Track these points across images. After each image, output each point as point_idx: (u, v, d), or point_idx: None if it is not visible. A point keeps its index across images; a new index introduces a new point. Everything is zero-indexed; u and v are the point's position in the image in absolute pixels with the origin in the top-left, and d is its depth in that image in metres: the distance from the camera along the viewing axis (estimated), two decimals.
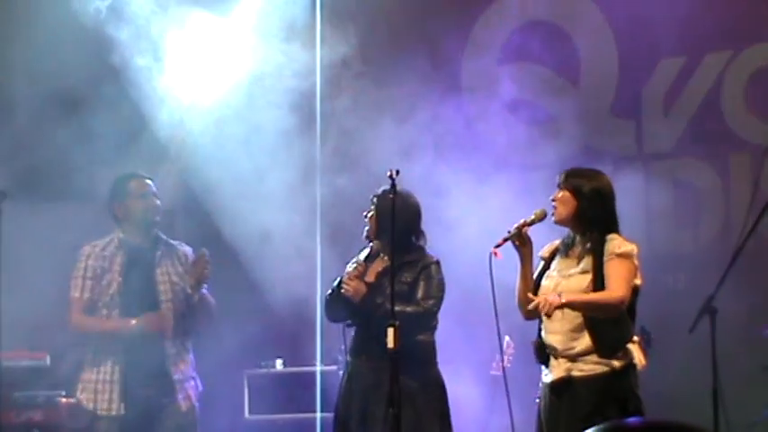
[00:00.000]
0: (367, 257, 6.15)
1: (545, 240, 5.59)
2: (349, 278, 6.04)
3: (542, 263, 5.53)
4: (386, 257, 6.06)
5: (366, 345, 6.01)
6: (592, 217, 5.37)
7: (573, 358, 5.29)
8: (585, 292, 5.26)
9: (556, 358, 5.34)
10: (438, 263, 6.09)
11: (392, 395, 5.44)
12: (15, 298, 7.95)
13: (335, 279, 6.17)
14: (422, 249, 6.13)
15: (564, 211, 5.39)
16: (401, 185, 5.77)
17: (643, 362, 5.38)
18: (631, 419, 1.85)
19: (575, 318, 5.29)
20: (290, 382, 8.30)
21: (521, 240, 5.42)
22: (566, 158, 7.95)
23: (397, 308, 5.66)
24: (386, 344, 5.50)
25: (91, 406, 6.16)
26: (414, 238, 6.13)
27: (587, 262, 5.34)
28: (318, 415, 7.97)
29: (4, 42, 8.32)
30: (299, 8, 8.26)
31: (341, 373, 6.35)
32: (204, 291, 6.33)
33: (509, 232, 5.43)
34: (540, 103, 8.45)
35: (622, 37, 8.28)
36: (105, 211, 6.44)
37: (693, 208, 8.03)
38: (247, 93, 8.10)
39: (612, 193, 5.44)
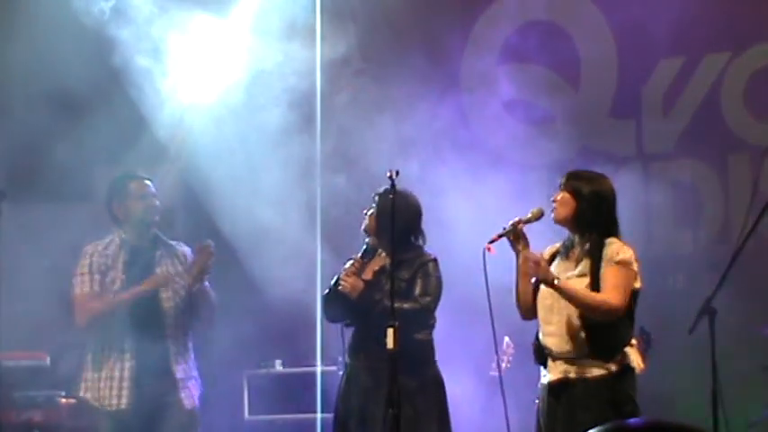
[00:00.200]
0: (364, 255, 6.16)
1: (544, 240, 5.59)
2: (346, 274, 6.05)
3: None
4: (384, 255, 6.06)
5: (364, 344, 6.01)
6: (590, 219, 5.36)
7: (570, 360, 5.29)
8: None
9: (553, 360, 5.35)
10: (435, 260, 6.10)
11: (391, 395, 5.44)
12: (14, 298, 7.96)
13: (333, 277, 6.18)
14: (420, 248, 6.14)
15: (563, 212, 5.39)
16: (400, 185, 5.77)
17: (641, 365, 5.38)
18: (632, 420, 1.85)
19: (571, 320, 5.29)
20: (289, 382, 8.31)
21: (515, 237, 5.42)
22: (565, 159, 7.97)
23: (387, 304, 5.68)
24: (384, 343, 5.50)
25: (96, 403, 6.16)
26: (413, 238, 6.13)
27: (585, 265, 5.34)
28: (318, 415, 7.98)
29: (3, 42, 8.32)
30: (299, 7, 8.25)
31: (341, 373, 6.35)
32: (206, 284, 6.33)
33: (504, 229, 5.44)
34: (539, 103, 8.45)
35: (622, 37, 8.29)
36: (104, 211, 6.44)
37: (693, 208, 8.04)
38: (247, 91, 8.10)
39: (613, 197, 5.43)
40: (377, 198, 6.11)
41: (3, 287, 7.92)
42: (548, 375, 5.38)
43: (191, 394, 6.27)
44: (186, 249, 6.45)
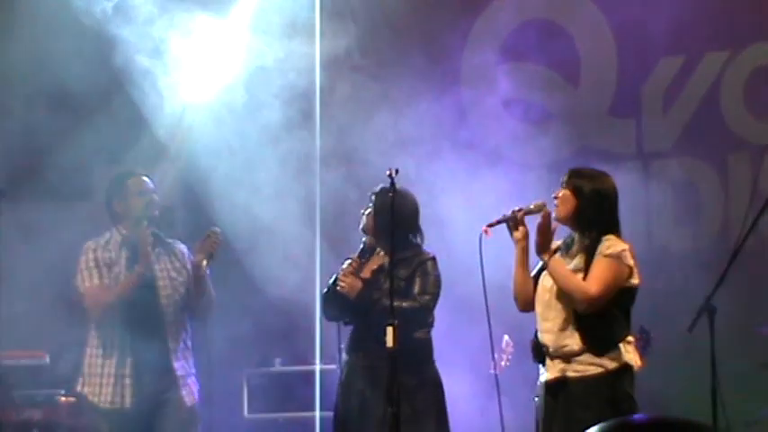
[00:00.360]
0: (361, 254, 6.16)
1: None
2: (344, 274, 6.05)
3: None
4: (382, 254, 6.06)
5: (363, 343, 6.02)
6: (591, 217, 5.36)
7: (567, 358, 5.29)
8: None
9: (551, 358, 5.35)
10: (434, 259, 6.10)
11: (391, 394, 5.44)
12: (14, 297, 7.96)
13: (332, 277, 6.18)
14: (418, 246, 6.14)
15: (564, 209, 5.40)
16: (398, 183, 5.77)
17: (639, 363, 5.37)
18: (636, 416, 1.85)
19: (565, 316, 5.29)
20: (288, 380, 8.31)
21: (515, 225, 5.43)
22: (565, 157, 7.97)
23: (386, 303, 5.69)
24: (384, 342, 5.50)
25: (95, 400, 6.16)
26: (411, 236, 6.14)
27: (580, 260, 5.34)
28: (318, 414, 7.98)
29: (3, 41, 8.31)
30: (298, 5, 8.25)
31: (339, 371, 6.36)
32: (207, 274, 6.33)
33: (504, 215, 5.44)
34: (539, 101, 8.45)
35: (622, 36, 8.29)
36: (104, 210, 6.45)
37: (692, 207, 8.04)
38: (247, 90, 8.10)
39: (615, 195, 5.42)
40: (374, 197, 6.12)
41: (2, 286, 7.91)
42: (545, 374, 5.38)
43: (191, 391, 6.28)
44: (182, 247, 6.46)
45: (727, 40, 8.02)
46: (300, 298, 8.19)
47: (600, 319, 5.25)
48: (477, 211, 6.98)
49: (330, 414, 6.29)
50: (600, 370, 5.24)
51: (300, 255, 8.24)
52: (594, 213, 5.35)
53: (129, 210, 6.32)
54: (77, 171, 8.39)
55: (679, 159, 8.13)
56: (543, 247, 5.31)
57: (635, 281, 5.33)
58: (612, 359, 5.25)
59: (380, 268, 6.03)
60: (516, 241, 5.47)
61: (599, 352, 5.24)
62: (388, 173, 5.69)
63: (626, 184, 5.70)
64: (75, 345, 6.54)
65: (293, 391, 8.20)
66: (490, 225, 5.45)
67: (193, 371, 6.35)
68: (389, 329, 5.47)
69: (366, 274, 6.07)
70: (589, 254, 5.31)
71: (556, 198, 5.42)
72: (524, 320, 5.62)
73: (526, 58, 8.49)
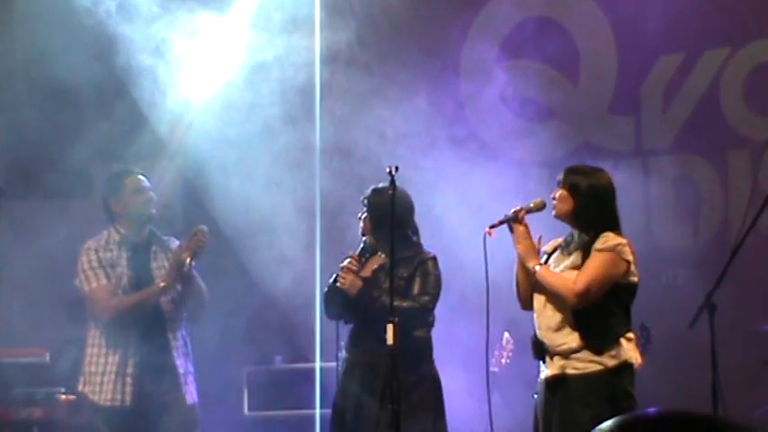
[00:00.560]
0: (362, 252, 6.16)
1: (547, 235, 5.60)
2: (345, 271, 6.05)
3: (544, 257, 5.54)
4: (382, 255, 6.05)
5: (362, 340, 6.01)
6: (589, 215, 5.36)
7: (566, 356, 5.29)
8: None
9: (551, 356, 5.35)
10: (435, 258, 6.09)
11: (390, 391, 5.44)
12: (14, 295, 7.96)
13: (332, 275, 6.18)
14: (418, 245, 6.14)
15: (562, 208, 5.40)
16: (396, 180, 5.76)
17: (639, 360, 5.37)
18: (649, 410, 1.86)
19: (563, 314, 5.29)
20: (289, 378, 8.31)
21: (516, 225, 5.44)
22: (564, 155, 7.97)
23: (386, 301, 5.70)
24: (383, 339, 5.50)
25: (96, 398, 6.15)
26: (410, 235, 6.14)
27: (577, 257, 5.34)
28: (317, 411, 7.98)
29: (2, 38, 8.31)
30: (298, 0, 8.25)
31: (339, 369, 6.36)
32: (195, 272, 6.31)
33: (506, 215, 5.45)
34: (539, 99, 8.45)
35: (621, 34, 8.29)
36: (99, 207, 6.44)
37: (692, 204, 8.04)
38: (246, 87, 8.09)
39: (612, 192, 5.42)
40: (367, 200, 6.11)
41: (2, 284, 7.92)
42: (545, 371, 5.38)
43: (190, 390, 6.27)
44: (178, 244, 6.43)
45: (726, 37, 8.03)
46: (300, 295, 8.19)
47: (597, 316, 5.25)
48: (475, 208, 7.00)
49: (330, 412, 6.28)
50: (599, 367, 5.24)
51: (300, 251, 8.23)
52: (592, 211, 5.35)
53: (127, 209, 6.30)
54: (76, 169, 8.38)
55: (678, 156, 8.13)
56: (527, 258, 5.32)
57: (634, 278, 5.33)
58: (612, 356, 5.25)
59: (381, 267, 6.03)
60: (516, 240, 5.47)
61: (597, 349, 5.24)
62: (388, 170, 5.68)
63: (625, 181, 5.71)
64: (75, 343, 6.53)
65: (293, 388, 8.20)
66: (493, 226, 5.46)
67: (192, 369, 6.34)
68: (389, 327, 5.47)
69: (366, 272, 6.07)
70: (586, 251, 5.31)
71: (554, 198, 5.43)
72: (523, 318, 5.62)
73: (525, 55, 8.49)
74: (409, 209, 6.13)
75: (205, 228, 6.30)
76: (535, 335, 5.44)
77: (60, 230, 7.65)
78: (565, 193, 5.39)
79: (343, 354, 6.19)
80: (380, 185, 5.92)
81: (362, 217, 6.16)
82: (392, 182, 5.69)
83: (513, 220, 5.44)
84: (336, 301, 6.11)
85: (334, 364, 7.55)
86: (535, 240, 5.45)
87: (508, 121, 8.40)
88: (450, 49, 8.69)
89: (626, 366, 5.27)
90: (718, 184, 7.98)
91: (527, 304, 5.49)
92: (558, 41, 8.40)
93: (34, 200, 8.70)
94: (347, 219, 7.35)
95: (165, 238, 6.43)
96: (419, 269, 6.03)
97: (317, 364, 8.16)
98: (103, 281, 6.18)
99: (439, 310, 6.12)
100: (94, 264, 6.20)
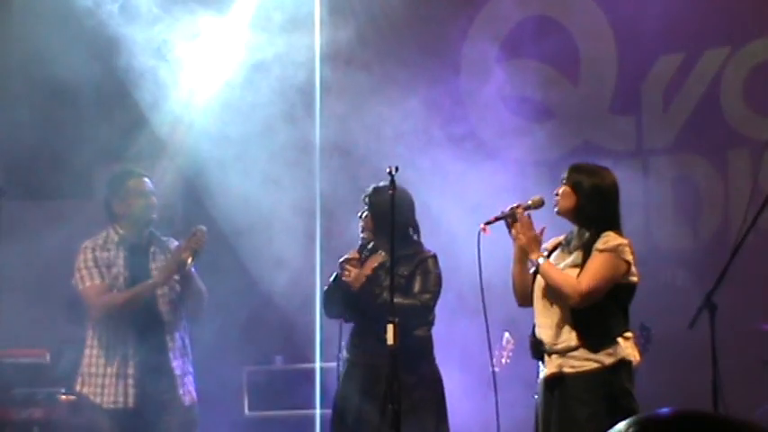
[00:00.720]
0: (360, 250, 6.16)
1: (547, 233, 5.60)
2: (349, 264, 6.03)
3: (545, 254, 5.52)
4: (383, 253, 6.05)
5: (363, 341, 6.01)
6: (590, 213, 5.35)
7: (564, 354, 5.28)
8: None
9: (549, 355, 5.34)
10: (435, 257, 6.09)
11: (391, 391, 5.44)
12: (14, 295, 7.96)
13: (332, 274, 6.18)
14: (418, 244, 6.14)
15: (564, 205, 5.39)
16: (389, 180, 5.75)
17: (637, 358, 5.37)
18: (663, 410, 1.85)
19: (562, 312, 5.29)
20: (289, 378, 8.30)
21: (513, 221, 5.43)
22: (564, 154, 7.97)
23: (387, 298, 5.70)
24: (384, 340, 5.50)
25: (97, 400, 6.15)
26: (411, 233, 6.14)
27: (577, 256, 5.34)
28: (318, 411, 7.98)
29: (2, 37, 8.31)
30: None
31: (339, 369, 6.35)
32: (193, 272, 6.31)
33: (502, 212, 5.44)
34: (538, 98, 8.45)
35: (621, 33, 8.28)
36: (102, 207, 6.43)
37: (693, 204, 8.04)
38: (247, 85, 8.09)
39: (615, 191, 5.41)
40: (368, 198, 6.11)
41: (2, 284, 7.92)
42: (544, 370, 5.38)
43: (189, 390, 6.27)
44: (177, 244, 6.42)
45: (726, 36, 8.02)
46: (300, 295, 8.19)
47: (596, 316, 5.25)
48: (474, 207, 6.99)
49: (330, 412, 6.28)
50: (596, 365, 5.23)
51: (300, 250, 8.23)
52: (594, 209, 5.34)
53: (129, 211, 6.30)
54: (77, 169, 8.38)
55: (679, 156, 8.13)
56: (530, 249, 5.31)
57: (634, 278, 5.32)
58: (609, 354, 5.24)
59: (381, 265, 6.02)
60: (514, 238, 5.47)
61: (595, 348, 5.24)
62: (388, 170, 5.68)
63: (625, 180, 5.70)
64: (75, 343, 6.53)
65: (294, 388, 8.19)
66: (488, 222, 5.46)
67: (191, 369, 6.34)
68: (390, 327, 5.47)
69: (367, 270, 6.07)
70: (586, 250, 5.30)
71: (556, 195, 5.42)
72: (521, 317, 5.62)
73: (525, 55, 8.49)
74: (410, 208, 6.14)
75: (204, 228, 6.30)
76: (533, 334, 5.44)
77: (61, 231, 7.64)
78: (568, 189, 5.39)
79: (343, 354, 6.19)
80: (382, 184, 5.92)
81: (363, 215, 6.16)
82: (392, 181, 5.69)
83: (510, 218, 5.44)
84: (336, 299, 6.11)
85: (334, 364, 7.55)
86: (538, 232, 5.43)
87: (507, 120, 8.40)
88: (450, 48, 8.69)
89: (624, 364, 5.27)
90: (718, 183, 7.98)
91: (524, 301, 5.49)
92: (557, 41, 8.39)
93: (34, 200, 8.69)
94: (347, 217, 7.35)
95: (165, 238, 6.43)
96: (419, 267, 6.03)
97: (317, 364, 8.16)
98: (97, 280, 6.18)
99: (437, 310, 6.12)
100: (90, 263, 6.21)
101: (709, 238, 7.89)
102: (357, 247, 6.21)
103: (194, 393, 6.31)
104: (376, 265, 6.07)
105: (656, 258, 7.63)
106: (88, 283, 6.20)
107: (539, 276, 5.43)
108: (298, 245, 8.23)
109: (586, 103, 8.38)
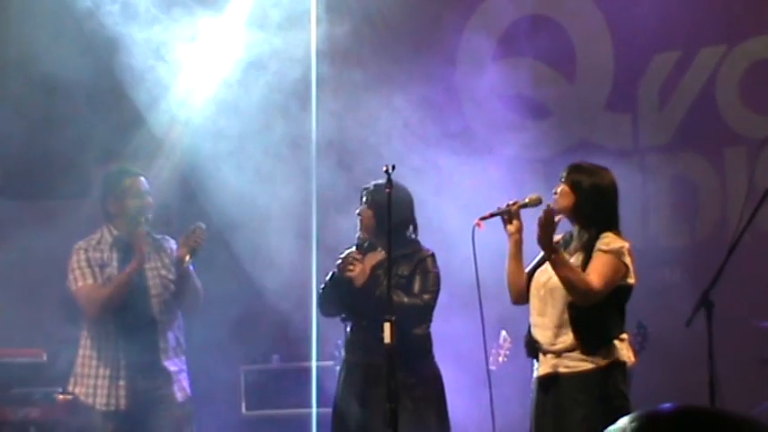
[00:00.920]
0: (360, 249, 6.14)
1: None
2: (353, 258, 5.99)
3: (541, 253, 5.52)
4: (382, 251, 6.04)
5: (363, 340, 6.00)
6: (589, 213, 5.35)
7: (559, 354, 5.28)
8: None
9: (544, 354, 5.34)
10: (433, 256, 6.08)
11: (389, 390, 5.43)
12: (11, 295, 7.95)
13: (328, 273, 6.17)
14: (417, 242, 6.13)
15: (563, 204, 5.38)
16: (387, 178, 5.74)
17: (632, 359, 5.37)
18: (665, 406, 1.85)
19: (560, 313, 5.28)
20: (287, 377, 8.30)
21: (509, 218, 5.42)
22: (561, 152, 7.97)
23: (396, 298, 5.70)
24: (383, 338, 5.49)
25: (90, 401, 6.15)
26: (410, 231, 6.13)
27: (578, 258, 5.33)
28: (314, 410, 7.97)
29: None
30: None
31: (337, 368, 6.34)
32: (191, 269, 6.31)
33: (498, 208, 5.43)
34: (535, 96, 8.45)
35: (617, 31, 8.28)
36: (97, 207, 6.42)
37: (689, 202, 8.04)
38: (243, 82, 8.08)
39: (614, 191, 5.40)
40: (369, 195, 6.08)
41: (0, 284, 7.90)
42: (538, 369, 5.38)
43: (182, 387, 6.26)
44: (172, 243, 6.42)
45: (722, 34, 8.02)
46: (296, 293, 8.18)
47: (595, 317, 5.24)
48: (469, 203, 6.99)
49: (327, 411, 6.27)
50: (591, 366, 5.23)
51: (296, 248, 8.22)
52: (593, 209, 5.34)
53: (124, 210, 6.29)
54: (73, 168, 8.37)
55: (675, 154, 8.12)
56: (544, 241, 5.24)
57: (631, 280, 5.32)
58: (604, 355, 5.24)
59: (380, 264, 6.01)
60: (510, 235, 5.47)
61: (591, 349, 5.23)
62: (384, 169, 5.67)
63: (622, 179, 5.70)
64: (72, 343, 6.52)
65: (292, 387, 8.19)
66: (483, 218, 5.45)
67: (185, 368, 6.33)
68: (387, 326, 5.46)
69: (369, 266, 6.06)
70: (587, 250, 5.29)
71: (555, 193, 5.41)
72: (515, 314, 5.62)
73: (522, 52, 8.48)
74: (410, 206, 6.13)
75: (203, 225, 6.29)
76: (529, 333, 5.43)
77: (58, 230, 7.63)
78: (566, 188, 5.38)
79: (342, 354, 6.18)
80: (383, 181, 5.86)
81: (362, 212, 6.12)
82: (389, 179, 5.68)
83: (506, 214, 5.43)
84: (333, 298, 6.10)
85: (330, 362, 7.56)
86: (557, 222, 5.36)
87: (503, 117, 8.40)
88: (447, 45, 8.69)
89: (618, 365, 5.26)
90: (714, 181, 7.98)
91: (518, 298, 5.48)
92: (553, 39, 8.39)
93: (31, 199, 8.68)
94: (342, 215, 7.35)
95: (160, 236, 6.41)
96: (418, 267, 6.02)
97: (314, 363, 8.15)
98: (89, 280, 6.18)
99: (443, 308, 6.12)
100: (83, 263, 6.20)
101: (705, 236, 7.89)
102: (353, 244, 6.20)
103: (188, 389, 6.30)
104: (375, 263, 6.05)
105: (653, 256, 7.63)
106: (81, 284, 6.20)
107: (536, 275, 5.42)
108: (294, 243, 8.23)
109: (583, 101, 8.38)
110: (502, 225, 5.49)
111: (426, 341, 6.04)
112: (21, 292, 8.22)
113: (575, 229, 5.41)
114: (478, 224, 5.42)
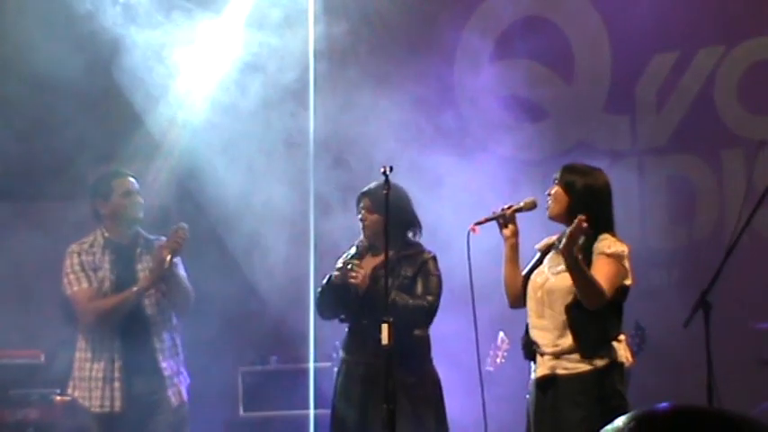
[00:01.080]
0: (359, 255, 6.13)
1: (540, 234, 5.59)
2: (356, 268, 5.96)
3: (537, 255, 5.52)
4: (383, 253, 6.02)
5: (362, 340, 5.99)
6: (583, 215, 5.32)
7: (557, 356, 5.27)
8: (571, 289, 5.22)
9: (541, 356, 5.33)
10: (435, 258, 6.07)
11: (386, 390, 5.43)
12: (9, 296, 7.95)
13: (325, 276, 6.16)
14: (419, 244, 6.12)
15: (557, 206, 5.36)
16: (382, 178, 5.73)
17: (630, 360, 5.36)
18: (662, 405, 1.86)
19: (559, 315, 5.27)
20: (285, 378, 8.29)
21: (504, 222, 5.41)
22: (559, 154, 7.96)
23: (400, 300, 5.73)
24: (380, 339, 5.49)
25: (87, 404, 6.15)
26: (414, 232, 6.13)
27: None
28: (311, 412, 7.97)
29: None
30: None
31: (335, 369, 6.34)
32: (180, 271, 6.29)
33: (493, 212, 5.42)
34: (532, 97, 8.45)
35: (615, 32, 8.28)
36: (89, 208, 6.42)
37: (687, 203, 8.04)
38: (241, 83, 8.08)
39: (608, 192, 5.38)
40: (373, 199, 6.04)
41: None
42: (536, 370, 5.37)
43: (178, 390, 6.25)
44: (159, 244, 6.39)
45: (721, 35, 8.02)
46: (296, 296, 8.18)
47: (594, 319, 5.22)
48: (466, 204, 6.99)
49: (324, 412, 6.26)
50: (589, 367, 5.22)
51: (295, 249, 8.22)
52: (587, 210, 5.31)
53: (114, 211, 6.28)
54: (71, 169, 8.36)
55: (673, 155, 8.12)
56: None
57: (628, 281, 5.31)
58: (602, 356, 5.23)
59: (380, 266, 5.99)
60: (506, 239, 5.45)
61: (590, 351, 5.22)
62: (382, 170, 5.65)
63: (620, 180, 5.70)
64: (70, 344, 6.53)
65: (290, 388, 8.18)
66: (479, 223, 5.44)
67: (182, 369, 6.32)
68: (384, 326, 5.45)
69: (369, 270, 6.05)
70: (585, 252, 5.27)
71: (549, 195, 5.40)
72: (513, 315, 5.61)
73: (520, 54, 8.48)
74: (411, 207, 6.13)
75: (185, 225, 6.27)
76: (526, 335, 5.42)
77: (55, 231, 7.63)
78: (560, 190, 5.36)
79: (340, 354, 6.17)
80: (393, 183, 5.82)
81: (365, 218, 6.07)
82: (386, 181, 5.67)
83: (502, 218, 5.42)
84: (330, 301, 6.09)
85: (328, 363, 7.55)
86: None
87: (501, 118, 8.39)
88: (445, 45, 8.69)
89: (616, 365, 5.25)
90: (712, 182, 7.98)
91: (516, 302, 5.47)
92: (551, 40, 8.39)
93: (29, 201, 8.68)
94: (341, 216, 7.35)
95: (153, 238, 6.40)
96: (421, 269, 6.01)
97: (311, 365, 8.15)
98: (84, 284, 6.17)
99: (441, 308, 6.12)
100: (76, 267, 6.20)
101: (703, 238, 7.89)
102: (353, 245, 6.19)
103: (184, 393, 6.29)
104: (376, 264, 6.03)
105: (651, 257, 7.63)
106: (76, 288, 6.19)
107: (532, 277, 5.41)
108: (291, 243, 8.22)
109: (581, 103, 8.38)
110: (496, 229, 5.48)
111: (426, 343, 6.05)
112: (18, 293, 8.22)
113: (568, 231, 5.39)
114: (473, 229, 5.42)
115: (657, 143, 8.18)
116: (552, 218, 5.40)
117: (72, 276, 6.21)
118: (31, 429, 7.21)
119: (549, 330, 5.30)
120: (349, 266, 6.00)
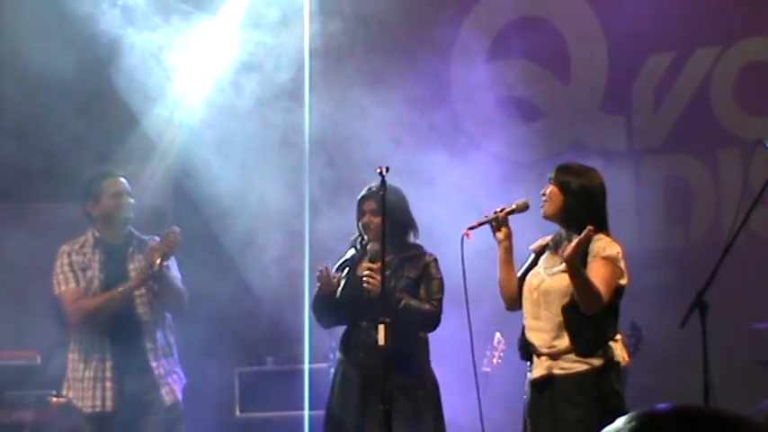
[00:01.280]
0: (359, 256, 6.12)
1: (535, 234, 5.59)
2: (370, 274, 5.89)
3: (532, 256, 5.51)
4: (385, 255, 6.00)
5: (361, 341, 5.96)
6: (579, 215, 5.31)
7: (554, 356, 5.27)
8: (567, 290, 5.22)
9: (538, 356, 5.32)
10: (436, 260, 6.05)
11: (383, 391, 5.41)
12: (4, 297, 7.94)
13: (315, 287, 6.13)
14: (419, 246, 6.10)
15: (551, 206, 5.36)
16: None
17: (626, 359, 5.36)
18: (662, 406, 1.85)
19: (555, 315, 5.26)
20: (281, 379, 8.29)
21: (498, 226, 5.40)
22: (555, 154, 7.96)
23: (414, 304, 5.77)
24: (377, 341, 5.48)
25: (79, 404, 6.14)
26: (411, 233, 6.12)
27: None
28: (306, 413, 7.96)
29: None
30: None
31: (332, 370, 6.32)
32: (173, 273, 6.28)
33: (486, 216, 5.41)
34: (529, 97, 8.45)
35: (612, 33, 8.28)
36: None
37: (683, 203, 8.04)
38: (237, 82, 8.07)
39: (603, 192, 5.38)
40: (372, 201, 5.99)
41: None
42: (532, 371, 5.36)
43: (171, 389, 6.23)
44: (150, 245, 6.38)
45: (717, 35, 8.02)
46: (291, 297, 8.17)
47: (590, 320, 5.22)
48: (462, 205, 6.99)
49: (319, 413, 6.24)
50: (586, 367, 5.22)
51: (290, 250, 8.21)
52: (582, 210, 5.30)
53: (104, 211, 6.28)
54: (67, 170, 8.35)
55: (669, 155, 8.13)
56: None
57: (623, 281, 5.31)
58: (599, 356, 5.23)
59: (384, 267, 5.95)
60: (499, 242, 5.44)
61: (587, 351, 5.22)
62: (378, 171, 5.64)
63: (617, 180, 5.69)
64: (65, 346, 6.52)
65: (286, 389, 8.17)
66: (472, 227, 5.43)
67: (176, 368, 6.31)
68: (381, 327, 5.44)
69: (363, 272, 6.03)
70: (582, 255, 5.26)
71: (543, 195, 5.39)
72: (519, 319, 5.60)
73: (516, 54, 8.48)
74: (408, 208, 6.11)
75: (178, 229, 6.27)
76: (523, 335, 5.41)
77: (50, 232, 7.62)
78: (555, 190, 5.35)
79: (337, 355, 6.15)
80: (389, 184, 5.79)
81: (370, 222, 6.02)
82: (383, 182, 5.65)
83: (495, 221, 5.41)
84: (327, 310, 6.06)
85: (324, 365, 7.54)
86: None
87: (497, 118, 8.39)
88: (441, 45, 8.68)
89: (612, 365, 5.25)
90: (708, 182, 7.98)
91: (512, 304, 5.46)
92: (548, 40, 8.39)
93: (24, 202, 8.67)
94: (335, 215, 7.34)
95: (147, 238, 6.39)
96: (424, 273, 6.00)
97: (306, 365, 8.14)
98: (72, 284, 6.17)
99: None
100: (66, 267, 6.20)
101: (699, 238, 7.89)
102: (350, 245, 6.18)
103: (178, 392, 6.27)
104: (375, 267, 6.00)
105: (647, 257, 7.63)
106: (63, 288, 6.20)
107: (527, 278, 5.40)
108: (288, 244, 8.21)
109: (577, 103, 8.38)
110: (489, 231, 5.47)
111: (426, 344, 6.04)
112: (13, 294, 8.20)
113: (563, 231, 5.38)
114: (467, 234, 5.40)
115: (653, 143, 8.18)
116: (547, 217, 5.40)
117: (61, 276, 6.21)
118: (26, 431, 7.20)
119: (545, 331, 5.29)
120: (366, 273, 5.90)
